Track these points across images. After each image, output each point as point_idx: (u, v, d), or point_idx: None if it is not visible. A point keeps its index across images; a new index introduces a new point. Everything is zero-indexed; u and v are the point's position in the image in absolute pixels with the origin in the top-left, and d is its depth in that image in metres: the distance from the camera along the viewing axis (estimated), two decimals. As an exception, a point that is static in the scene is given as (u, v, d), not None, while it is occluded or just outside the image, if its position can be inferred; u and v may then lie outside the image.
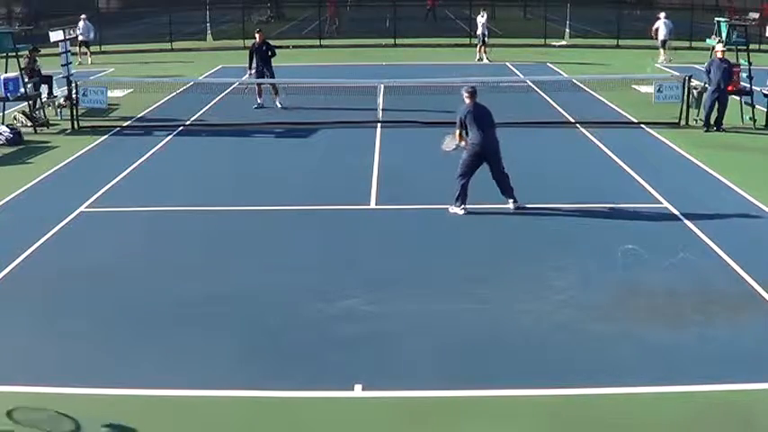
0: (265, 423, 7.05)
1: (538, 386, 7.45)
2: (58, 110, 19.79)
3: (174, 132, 18.06)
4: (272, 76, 20.43)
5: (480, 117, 12.04)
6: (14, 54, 18.89)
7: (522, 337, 8.49)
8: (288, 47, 31.67)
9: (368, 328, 8.66)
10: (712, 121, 17.74)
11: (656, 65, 28.07)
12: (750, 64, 18.49)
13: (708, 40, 21.39)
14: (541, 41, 35.14)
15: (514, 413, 7.12)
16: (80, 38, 29.20)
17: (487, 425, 6.95)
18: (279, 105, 20.13)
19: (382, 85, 19.38)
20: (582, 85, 22.32)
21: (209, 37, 37.91)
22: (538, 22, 39.16)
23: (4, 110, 18.33)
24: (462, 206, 12.12)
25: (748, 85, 18.31)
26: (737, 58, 18.78)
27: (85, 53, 30.38)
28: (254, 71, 20.32)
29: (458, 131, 12.13)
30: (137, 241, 11.36)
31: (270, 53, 20.33)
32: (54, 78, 20.50)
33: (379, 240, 11.35)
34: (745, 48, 18.82)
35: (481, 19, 29.73)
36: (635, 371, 7.73)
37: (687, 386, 7.45)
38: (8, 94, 18.11)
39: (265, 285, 9.81)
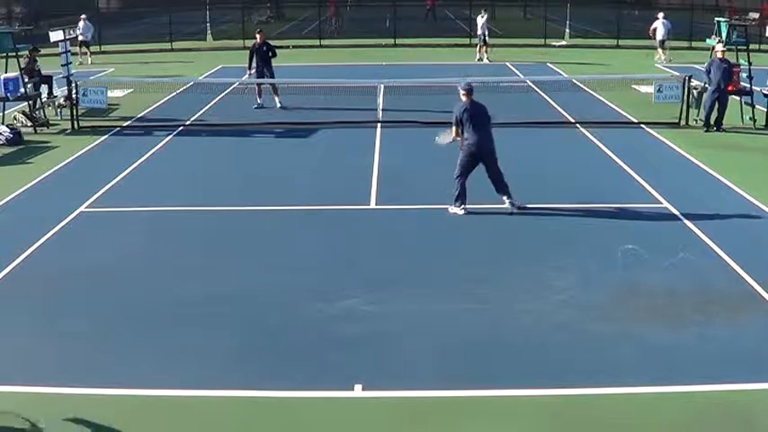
0: (265, 423, 7.04)
1: (538, 386, 7.45)
2: (58, 110, 19.79)
3: (174, 132, 18.06)
4: (272, 77, 20.43)
5: (477, 115, 12.03)
6: (14, 54, 18.89)
7: (522, 337, 8.48)
8: (288, 47, 31.67)
9: (368, 328, 8.66)
10: (712, 121, 17.74)
11: (655, 65, 28.07)
12: (750, 64, 18.49)
13: (708, 40, 21.40)
14: (541, 41, 35.15)
15: (515, 413, 7.11)
16: (80, 38, 29.20)
17: (488, 425, 6.94)
18: (278, 105, 20.12)
19: (382, 85, 19.38)
20: (582, 85, 22.33)
21: (209, 37, 37.93)
22: (538, 22, 39.17)
23: (4, 110, 18.33)
24: (462, 206, 12.12)
25: (748, 85, 18.31)
26: (737, 58, 18.78)
27: (86, 53, 30.40)
28: (253, 71, 20.32)
29: (454, 129, 12.13)
30: (137, 241, 11.36)
31: (270, 53, 20.32)
32: (54, 78, 20.52)
33: (379, 240, 11.35)
34: (745, 48, 18.82)
35: (481, 20, 29.73)
36: (635, 371, 7.73)
37: (687, 386, 7.45)
38: (8, 94, 18.11)
39: (265, 285, 9.81)
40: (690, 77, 18.73)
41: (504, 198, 12.22)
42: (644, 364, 7.86)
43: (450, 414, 7.12)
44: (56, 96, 20.34)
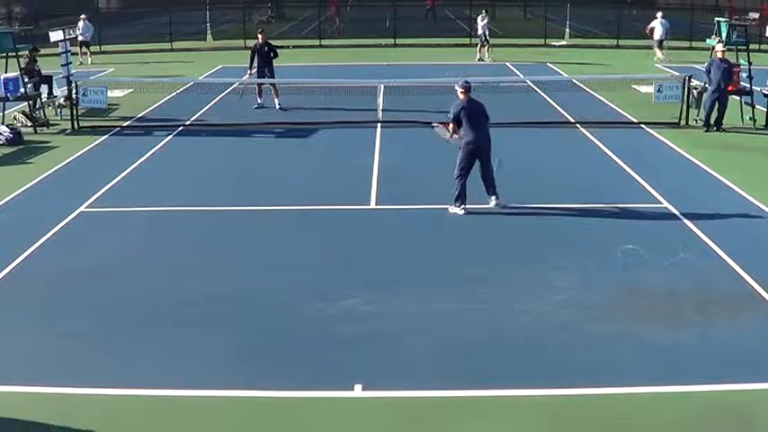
0: (265, 423, 7.04)
1: (538, 386, 7.45)
2: (58, 110, 19.79)
3: (174, 132, 18.06)
4: (273, 77, 20.43)
5: (475, 113, 12.03)
6: (14, 54, 18.89)
7: (522, 337, 8.48)
8: (288, 47, 31.66)
9: (368, 328, 8.66)
10: (712, 121, 17.74)
11: (655, 65, 28.07)
12: (750, 64, 18.49)
13: (708, 40, 21.39)
14: (541, 41, 35.16)
15: (515, 413, 7.11)
16: (80, 38, 29.19)
17: (488, 425, 6.94)
18: (278, 107, 20.10)
19: (382, 85, 19.39)
20: (582, 85, 22.33)
21: (209, 37, 37.94)
22: (538, 22, 39.17)
23: (4, 110, 18.33)
24: (462, 206, 12.12)
25: (748, 85, 18.31)
26: (737, 58, 18.78)
27: (86, 53, 30.40)
28: (254, 71, 20.33)
29: (451, 126, 12.14)
30: (137, 241, 11.36)
31: (272, 54, 20.32)
32: (54, 78, 20.52)
33: (379, 240, 11.35)
34: (745, 48, 18.82)
35: (481, 22, 29.70)
36: (635, 371, 7.73)
37: (687, 386, 7.44)
38: (8, 94, 18.12)
39: (265, 285, 9.81)
40: (690, 77, 18.73)
41: (492, 198, 12.27)
42: (644, 364, 7.86)
43: (450, 414, 7.12)
44: (56, 96, 20.35)
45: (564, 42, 35.61)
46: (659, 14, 29.84)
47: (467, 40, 34.92)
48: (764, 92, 18.18)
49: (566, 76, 25.04)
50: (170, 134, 17.87)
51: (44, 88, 19.89)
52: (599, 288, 9.61)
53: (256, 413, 7.16)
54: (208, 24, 38.64)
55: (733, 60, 18.35)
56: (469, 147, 12.01)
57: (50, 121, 18.95)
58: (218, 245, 11.23)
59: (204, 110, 20.31)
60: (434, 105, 18.68)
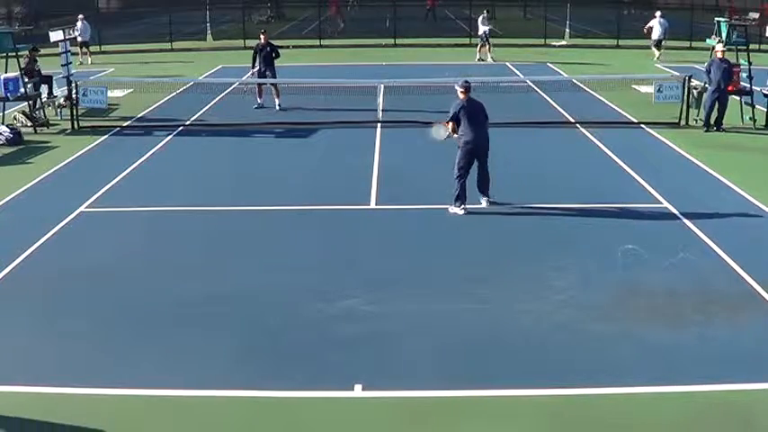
0: (265, 423, 7.05)
1: (538, 386, 7.45)
2: (58, 110, 19.79)
3: (174, 132, 18.06)
4: (275, 77, 20.43)
5: (474, 113, 12.05)
6: (14, 54, 18.89)
7: (522, 337, 8.49)
8: (288, 47, 31.63)
9: (368, 328, 8.66)
10: (712, 121, 17.74)
11: (655, 65, 28.07)
12: (750, 64, 18.49)
13: (708, 40, 21.39)
14: (541, 41, 35.14)
15: (514, 413, 7.12)
16: (79, 39, 29.17)
17: (487, 425, 6.95)
18: (278, 107, 20.09)
19: (382, 85, 19.39)
20: (582, 85, 22.33)
21: (209, 37, 37.93)
22: (538, 22, 39.16)
23: (4, 110, 18.34)
24: (462, 206, 12.12)
25: (748, 85, 18.31)
26: (737, 58, 18.78)
27: (86, 53, 30.40)
28: (255, 70, 20.35)
29: (451, 124, 12.15)
30: (137, 241, 11.36)
31: (274, 54, 20.33)
32: (54, 78, 20.52)
33: (379, 240, 11.35)
34: (745, 48, 18.82)
35: (482, 27, 29.64)
36: (635, 371, 7.73)
37: (687, 386, 7.45)
38: (8, 94, 18.12)
39: (265, 285, 9.81)
40: (690, 77, 18.73)
41: (483, 198, 12.32)
42: (644, 364, 7.86)
43: (449, 414, 7.12)
44: (56, 96, 20.35)
45: (564, 42, 35.60)
46: (658, 14, 29.86)
47: (467, 40, 34.91)
48: (764, 92, 18.18)
49: (566, 76, 25.04)
50: (170, 134, 17.87)
51: (44, 88, 19.90)
52: (599, 288, 9.61)
53: (256, 413, 7.16)
54: (208, 24, 38.62)
55: (733, 60, 18.35)
56: (468, 146, 12.02)
57: (50, 121, 18.95)
58: (218, 245, 11.23)
59: (204, 110, 20.31)
60: (434, 105, 18.69)
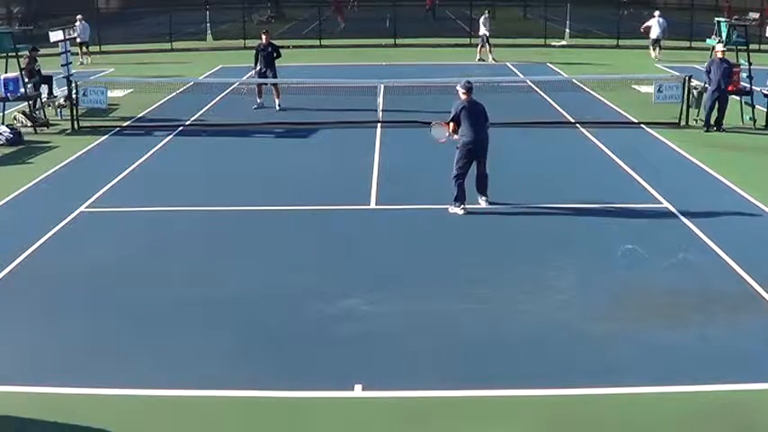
0: (265, 423, 7.04)
1: (538, 386, 7.45)
2: (58, 110, 19.79)
3: (174, 132, 18.06)
4: (276, 77, 20.43)
5: (475, 114, 12.05)
6: (14, 54, 18.89)
7: (522, 337, 8.48)
8: (288, 47, 31.63)
9: (368, 328, 8.66)
10: (712, 121, 17.74)
11: (655, 65, 28.07)
12: (750, 64, 18.49)
13: (708, 40, 21.37)
14: (541, 41, 35.14)
15: (514, 413, 7.12)
16: (78, 39, 29.15)
17: (487, 425, 6.94)
18: (278, 108, 20.08)
19: (382, 85, 19.39)
20: (582, 85, 22.33)
21: (209, 37, 37.94)
22: (538, 22, 39.16)
23: (4, 110, 18.34)
24: (462, 206, 12.12)
25: (748, 85, 18.31)
26: (737, 58, 18.77)
27: (85, 53, 30.39)
28: (257, 70, 20.37)
29: (451, 124, 12.15)
30: (137, 241, 11.36)
31: (275, 54, 20.33)
32: (54, 78, 20.53)
33: (379, 240, 11.34)
34: (745, 48, 18.82)
35: (483, 29, 29.62)
36: (635, 371, 7.73)
37: (687, 386, 7.45)
38: (8, 94, 18.13)
39: (265, 285, 9.81)
40: (690, 77, 18.72)
41: (482, 198, 12.33)
42: (644, 365, 7.86)
43: (449, 414, 7.12)
44: (56, 96, 20.35)
45: (564, 42, 35.59)
46: (656, 13, 29.86)
47: (467, 40, 34.91)
48: (764, 92, 18.17)
49: (566, 76, 25.03)
50: (170, 134, 17.86)
51: (44, 88, 19.92)
52: (599, 288, 9.61)
53: (256, 413, 7.16)
54: (208, 24, 38.62)
55: (733, 60, 18.35)
56: (467, 147, 12.03)
57: (50, 121, 18.94)
58: (218, 245, 11.23)
59: (204, 110, 20.31)
60: (434, 105, 18.69)
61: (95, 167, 15.18)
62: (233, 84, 22.28)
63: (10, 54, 18.77)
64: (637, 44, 32.65)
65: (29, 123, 18.35)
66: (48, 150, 16.62)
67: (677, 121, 18.21)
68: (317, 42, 36.14)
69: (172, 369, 7.87)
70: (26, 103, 18.93)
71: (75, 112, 18.61)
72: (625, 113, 19.64)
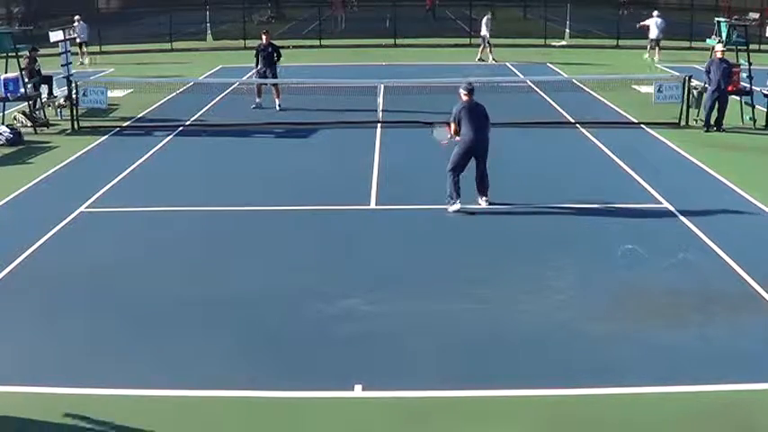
0: (265, 423, 7.04)
1: (538, 386, 7.45)
2: (58, 110, 19.79)
3: (174, 132, 18.06)
4: (276, 77, 20.43)
5: (475, 115, 12.07)
6: (14, 54, 18.89)
7: (521, 337, 8.48)
8: (288, 47, 31.63)
9: (368, 328, 8.66)
10: (712, 121, 17.74)
11: (655, 65, 28.08)
12: (750, 64, 18.49)
13: (708, 40, 21.38)
14: (541, 41, 35.15)
15: (514, 413, 7.11)
16: (77, 39, 29.14)
17: (487, 425, 6.94)
18: (278, 108, 20.08)
19: (382, 85, 19.39)
20: (582, 85, 22.33)
21: (209, 37, 37.94)
22: (538, 22, 39.16)
23: (4, 110, 18.34)
24: (457, 201, 12.11)
25: (748, 85, 18.31)
26: (737, 58, 18.78)
27: (85, 53, 30.38)
28: (257, 70, 20.38)
29: (453, 125, 12.16)
30: (137, 241, 11.36)
31: (276, 54, 20.33)
32: (54, 78, 20.53)
33: (379, 240, 11.34)
34: (745, 48, 18.82)
35: (485, 30, 29.61)
36: (635, 371, 7.73)
37: (687, 386, 7.44)
38: (8, 95, 18.13)
39: (265, 285, 9.81)
40: (690, 77, 18.73)
41: (483, 198, 12.33)
42: (644, 365, 7.86)
43: (449, 414, 7.12)
44: (56, 96, 20.35)
45: (564, 42, 35.59)
46: (655, 13, 29.86)
47: (467, 40, 34.91)
48: (764, 92, 18.17)
49: (566, 76, 25.03)
50: (170, 134, 17.86)
51: (44, 88, 19.91)
52: (599, 288, 9.61)
53: (256, 413, 7.16)
54: (208, 24, 38.61)
55: (733, 60, 18.35)
56: (467, 145, 12.05)
57: (50, 122, 18.94)
58: (217, 245, 11.23)
59: (204, 110, 20.31)
60: (435, 105, 18.69)
61: (95, 167, 15.18)
62: (233, 84, 22.28)
63: (10, 54, 18.77)
64: (637, 44, 32.64)
65: (29, 123, 18.35)
66: (48, 150, 16.62)
67: (677, 121, 18.21)
68: (317, 42, 36.14)
69: (172, 369, 7.87)
70: (26, 103, 18.92)
71: (75, 112, 18.61)
72: (625, 113, 19.64)
